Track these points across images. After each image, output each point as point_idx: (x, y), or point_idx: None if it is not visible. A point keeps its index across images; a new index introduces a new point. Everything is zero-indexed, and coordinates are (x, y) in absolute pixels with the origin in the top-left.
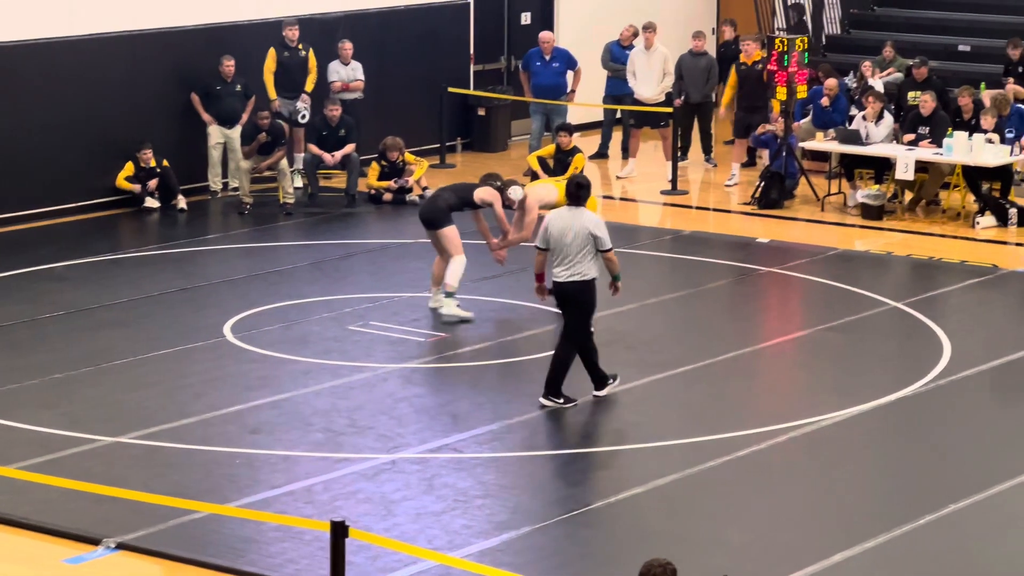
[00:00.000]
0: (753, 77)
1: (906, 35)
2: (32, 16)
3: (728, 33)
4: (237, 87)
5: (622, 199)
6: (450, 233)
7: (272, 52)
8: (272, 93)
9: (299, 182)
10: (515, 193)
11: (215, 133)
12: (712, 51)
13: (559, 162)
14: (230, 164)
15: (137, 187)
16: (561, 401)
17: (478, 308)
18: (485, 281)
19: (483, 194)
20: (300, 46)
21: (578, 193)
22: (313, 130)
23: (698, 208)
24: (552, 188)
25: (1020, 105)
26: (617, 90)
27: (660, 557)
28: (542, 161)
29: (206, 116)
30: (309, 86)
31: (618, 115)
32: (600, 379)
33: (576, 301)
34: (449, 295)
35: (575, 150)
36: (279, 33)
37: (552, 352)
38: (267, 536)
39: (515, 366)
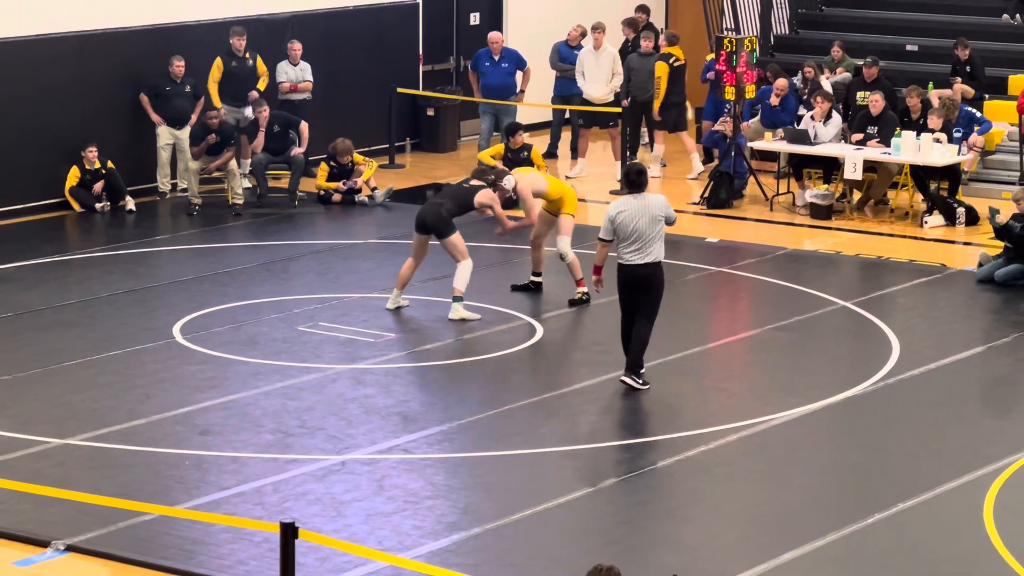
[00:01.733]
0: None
1: (854, 35)
2: None
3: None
4: (186, 88)
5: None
6: (456, 240)
7: (218, 61)
8: (217, 102)
9: (248, 183)
10: (508, 183)
11: (164, 134)
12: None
13: (510, 161)
14: (179, 165)
15: (83, 206)
16: (641, 383)
17: (427, 309)
18: (434, 282)
19: (483, 198)
20: (247, 55)
21: (639, 180)
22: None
23: None
24: (540, 177)
25: (968, 107)
26: (566, 90)
27: (604, 563)
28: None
29: (155, 117)
30: (261, 86)
31: (567, 115)
32: (637, 365)
33: (654, 283)
34: (458, 299)
35: (526, 147)
36: (228, 34)
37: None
38: (217, 538)
39: (465, 367)
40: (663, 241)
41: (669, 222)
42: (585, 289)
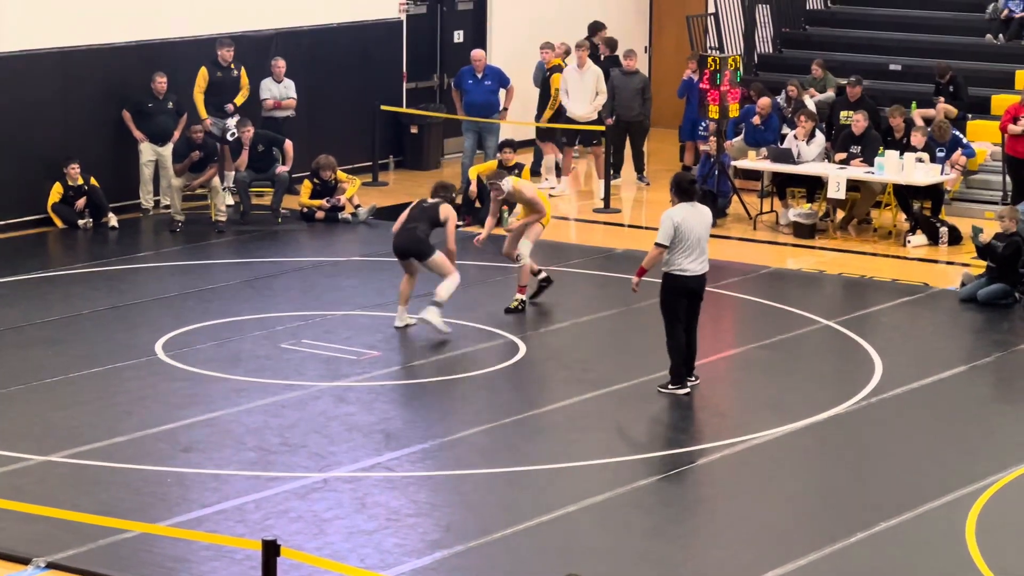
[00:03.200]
0: None
1: (837, 54)
2: None
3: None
4: (169, 104)
5: (554, 217)
6: (439, 259)
7: (203, 71)
8: (203, 112)
9: (231, 200)
10: (506, 184)
11: (147, 150)
12: (644, 69)
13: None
14: (162, 182)
15: (66, 222)
16: (696, 380)
17: (410, 327)
18: (417, 300)
19: (446, 212)
20: (232, 66)
21: (692, 188)
22: (238, 154)
23: (630, 226)
24: (531, 186)
25: (956, 132)
26: None
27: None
28: (478, 178)
29: (138, 133)
30: (239, 100)
31: None
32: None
33: (703, 290)
34: (437, 304)
35: (518, 166)
36: (211, 50)
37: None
38: (198, 555)
39: (447, 384)
40: None
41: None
42: (523, 297)
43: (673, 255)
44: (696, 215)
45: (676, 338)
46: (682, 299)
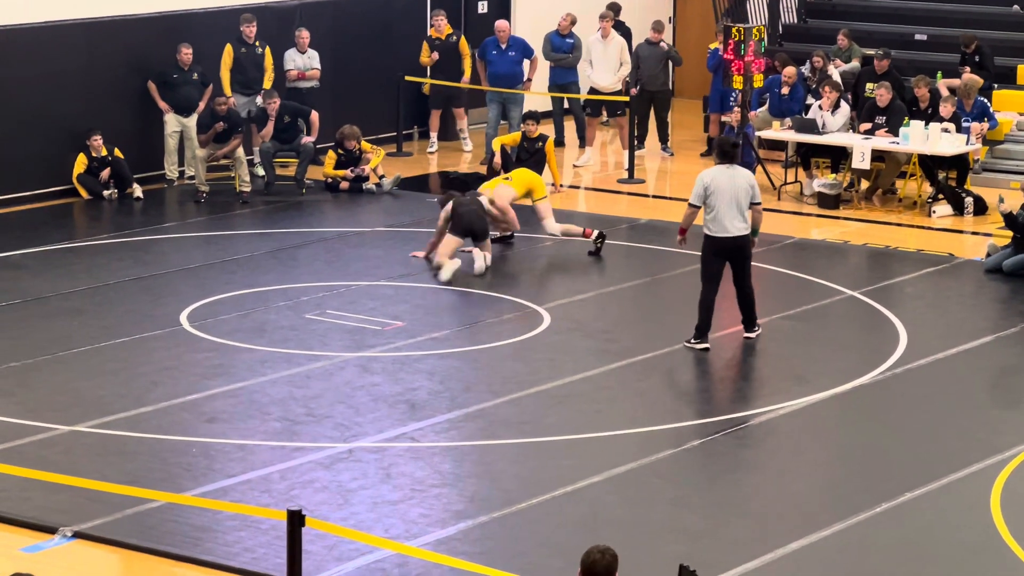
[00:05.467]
0: None
1: (863, 24)
2: None
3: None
4: (194, 75)
5: (578, 187)
6: (488, 243)
7: (228, 48)
8: (227, 91)
9: (258, 171)
10: (484, 200)
11: (172, 121)
12: (669, 39)
13: (525, 150)
14: (186, 152)
15: (91, 193)
16: (758, 329)
17: (435, 297)
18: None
19: (486, 201)
20: (257, 43)
21: (733, 152)
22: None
23: (655, 196)
24: (508, 187)
25: (982, 99)
26: (562, 79)
27: (601, 544)
28: (502, 149)
29: (163, 104)
30: (267, 83)
31: (566, 104)
32: (754, 321)
33: (747, 250)
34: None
35: (542, 137)
36: (235, 22)
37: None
38: (224, 525)
39: (472, 355)
40: None
41: (755, 197)
42: (598, 232)
43: (709, 216)
44: (730, 177)
45: (706, 296)
46: (720, 259)
